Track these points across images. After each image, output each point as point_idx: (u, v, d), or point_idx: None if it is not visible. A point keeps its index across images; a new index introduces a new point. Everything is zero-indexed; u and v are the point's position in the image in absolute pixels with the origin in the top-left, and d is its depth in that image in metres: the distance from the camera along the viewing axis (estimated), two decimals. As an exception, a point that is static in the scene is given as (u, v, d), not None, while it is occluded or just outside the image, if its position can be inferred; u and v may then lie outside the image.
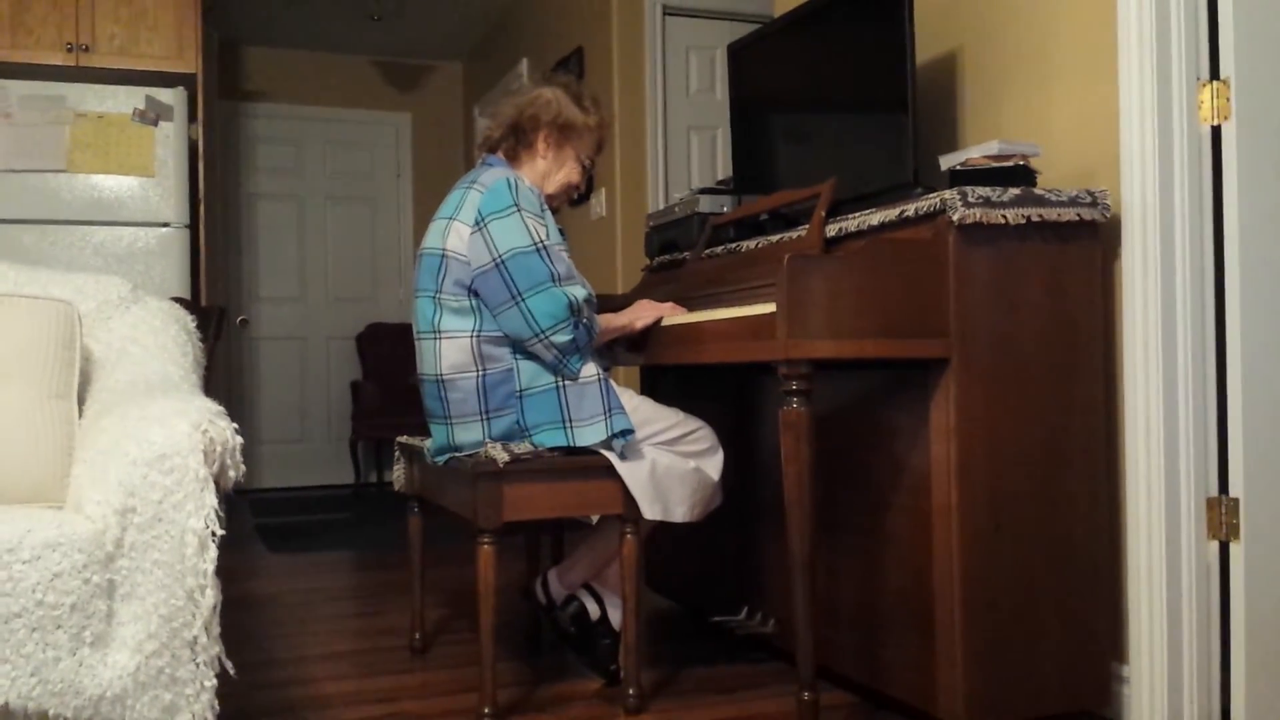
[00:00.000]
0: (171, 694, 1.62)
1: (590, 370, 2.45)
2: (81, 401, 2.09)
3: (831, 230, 2.40)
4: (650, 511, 2.40)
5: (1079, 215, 2.19)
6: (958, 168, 2.26)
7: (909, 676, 2.23)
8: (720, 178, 4.37)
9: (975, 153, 2.26)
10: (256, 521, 5.57)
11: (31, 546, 1.57)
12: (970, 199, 2.10)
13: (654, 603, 3.45)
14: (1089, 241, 2.23)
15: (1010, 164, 2.24)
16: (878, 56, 2.57)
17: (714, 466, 2.54)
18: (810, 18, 2.82)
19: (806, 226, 2.48)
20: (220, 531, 1.66)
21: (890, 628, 2.29)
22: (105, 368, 2.23)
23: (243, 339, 6.83)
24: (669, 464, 2.45)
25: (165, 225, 4.73)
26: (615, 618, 2.65)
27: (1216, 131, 2.25)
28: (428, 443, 2.69)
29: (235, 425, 1.75)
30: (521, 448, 2.37)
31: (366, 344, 6.97)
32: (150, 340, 2.32)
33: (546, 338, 2.37)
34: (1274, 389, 2.22)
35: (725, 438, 2.70)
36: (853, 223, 2.35)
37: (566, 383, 2.43)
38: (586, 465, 2.39)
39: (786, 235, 2.57)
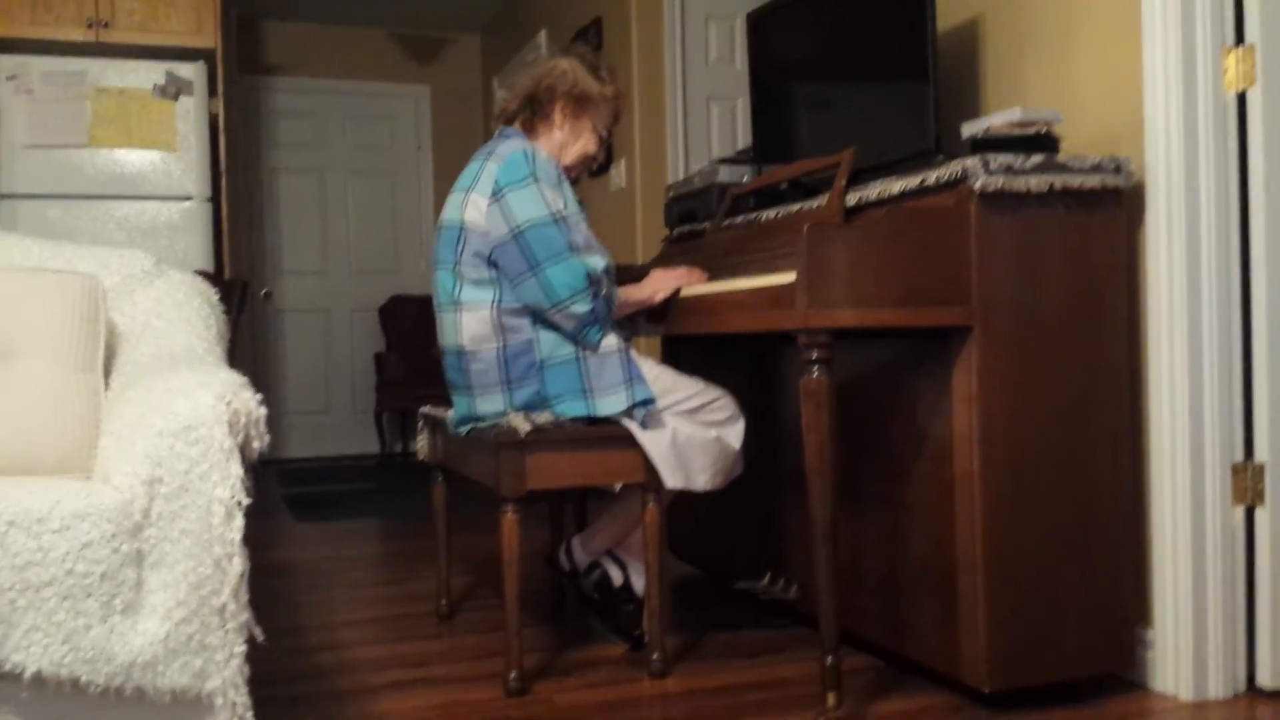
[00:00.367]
0: (201, 660, 1.65)
1: (611, 341, 2.46)
2: (107, 375, 2.12)
3: (852, 199, 2.39)
4: (672, 480, 2.42)
5: (1102, 183, 2.18)
6: (979, 135, 2.24)
7: (932, 641, 2.24)
8: (740, 147, 4.35)
9: (997, 120, 2.25)
10: (284, 491, 5.62)
11: (61, 517, 1.59)
12: (992, 167, 2.08)
13: (677, 569, 3.47)
14: (1112, 209, 2.21)
15: (1032, 131, 2.22)
16: (898, 23, 2.55)
17: (735, 435, 2.55)
18: (830, -17, 2.80)
19: (827, 196, 2.47)
20: (246, 501, 1.68)
21: (913, 593, 2.30)
22: (130, 341, 2.25)
23: (267, 312, 6.88)
24: (690, 433, 2.45)
25: (188, 199, 4.75)
26: (638, 584, 2.68)
27: (1242, 98, 2.22)
28: (450, 413, 2.70)
29: (259, 396, 1.77)
30: (543, 418, 2.38)
31: (389, 316, 7.00)
32: (174, 313, 2.33)
33: (565, 308, 2.37)
34: (1299, 354, 2.20)
35: (746, 406, 2.70)
36: (873, 191, 2.34)
37: (587, 353, 2.44)
38: (608, 435, 2.40)
39: (806, 205, 2.56)
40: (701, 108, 4.78)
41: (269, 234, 6.93)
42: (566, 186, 2.50)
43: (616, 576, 2.69)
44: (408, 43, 7.25)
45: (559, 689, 2.38)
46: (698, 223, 3.20)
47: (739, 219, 2.89)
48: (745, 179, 3.10)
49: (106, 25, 4.74)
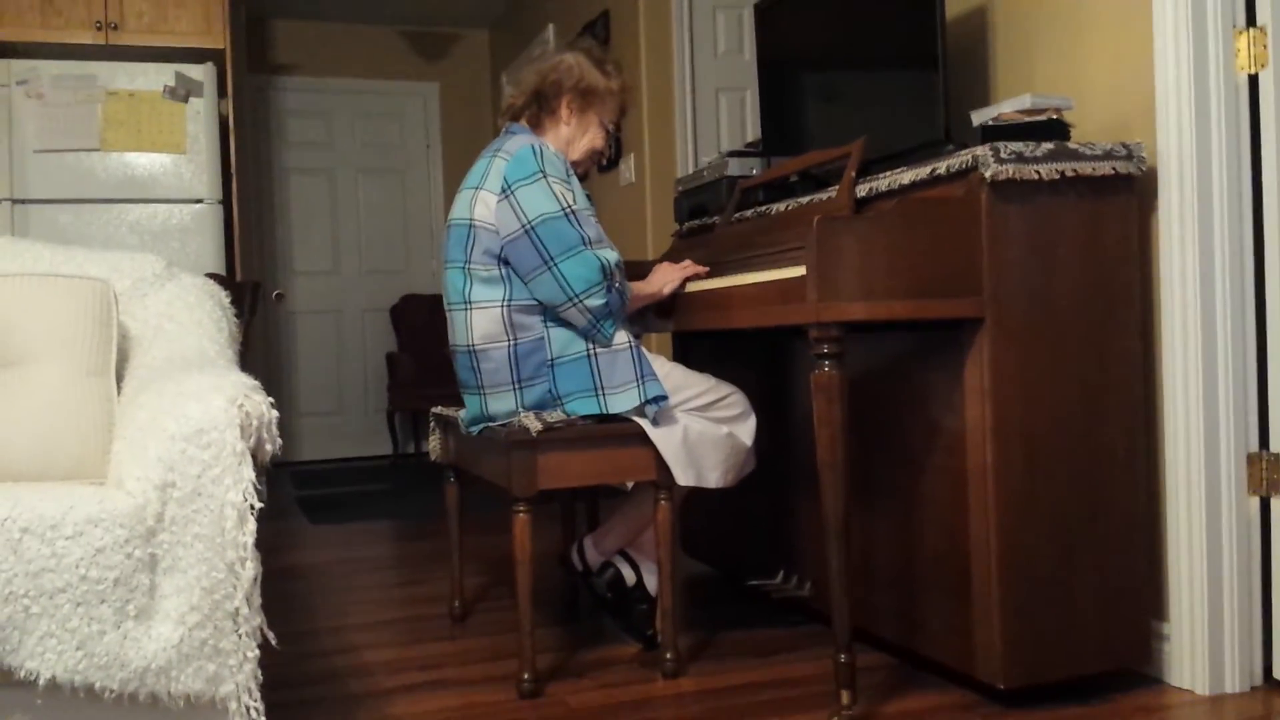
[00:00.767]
0: (215, 664, 1.65)
1: (622, 338, 2.45)
2: (119, 378, 2.12)
3: (862, 190, 2.38)
4: (684, 478, 2.41)
5: (1114, 169, 2.16)
6: (990, 123, 2.22)
7: (946, 637, 2.22)
8: (749, 140, 4.33)
9: (1007, 107, 2.23)
10: (297, 493, 5.64)
11: (74, 522, 1.60)
12: (1003, 155, 2.07)
13: (689, 567, 3.46)
14: (1124, 195, 2.19)
15: (1043, 118, 2.21)
16: (907, 12, 2.53)
17: (746, 431, 2.54)
18: (837, -25, 2.78)
19: (836, 187, 2.46)
20: (259, 505, 1.68)
21: (927, 589, 2.28)
22: (142, 345, 2.25)
23: (278, 313, 6.89)
24: (701, 430, 2.45)
25: (199, 201, 4.76)
26: (651, 583, 2.67)
27: (1254, 80, 2.20)
28: (462, 413, 2.70)
29: (271, 399, 1.77)
30: (554, 416, 2.37)
31: (400, 316, 7.01)
32: (186, 316, 2.34)
33: (580, 302, 2.37)
34: (1316, 342, 2.18)
35: (758, 402, 2.69)
36: (883, 182, 2.32)
37: (598, 350, 2.43)
38: (619, 433, 2.40)
39: (816, 197, 2.55)
40: (710, 100, 4.76)
41: (280, 235, 6.94)
42: (575, 181, 2.49)
43: (629, 576, 2.68)
44: (416, 40, 7.25)
45: (573, 690, 2.38)
46: (707, 216, 3.19)
47: (749, 212, 2.87)
48: (754, 171, 3.08)
49: (115, 27, 4.75)
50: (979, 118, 2.27)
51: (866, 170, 2.44)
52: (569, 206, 2.40)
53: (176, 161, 4.75)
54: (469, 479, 2.86)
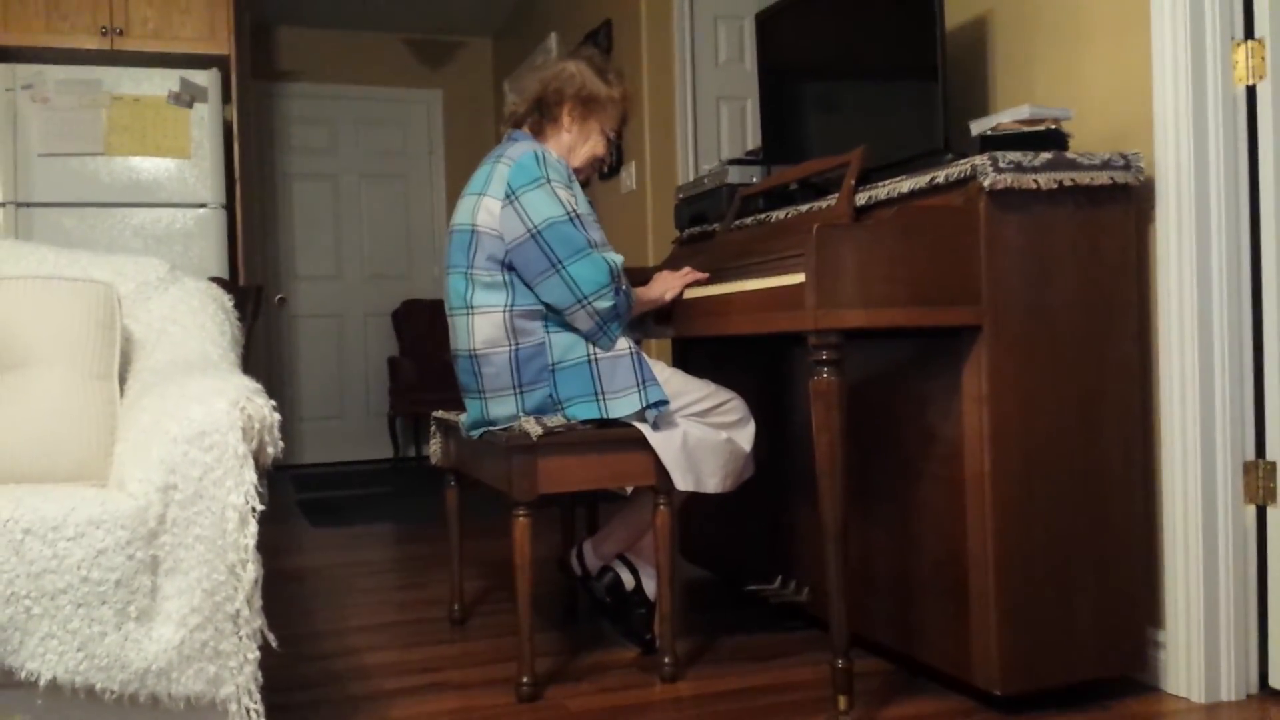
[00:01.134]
0: (215, 666, 1.66)
1: (622, 344, 2.46)
2: (122, 381, 2.13)
3: (861, 199, 2.39)
4: (683, 483, 2.42)
5: (1112, 179, 2.17)
6: (988, 133, 2.24)
7: (943, 644, 2.23)
8: (750, 148, 4.35)
9: (1006, 117, 2.24)
10: (298, 496, 5.65)
11: (76, 524, 1.61)
12: (1001, 164, 2.08)
13: (688, 572, 3.47)
14: (1122, 205, 2.20)
15: (1042, 128, 2.22)
16: (907, 22, 2.55)
17: (745, 437, 2.55)
18: (838, -16, 2.80)
19: (836, 195, 2.47)
20: (260, 507, 1.69)
21: (924, 595, 2.29)
22: (145, 348, 2.27)
23: (281, 317, 6.91)
24: (701, 435, 2.46)
25: (202, 206, 4.78)
26: (650, 588, 2.68)
27: (1251, 92, 2.21)
28: (463, 417, 2.71)
29: (273, 402, 1.78)
30: (555, 421, 2.38)
31: (402, 320, 7.02)
32: (189, 320, 2.35)
33: (590, 304, 2.38)
34: (1312, 352, 2.19)
35: (757, 408, 2.71)
36: (883, 191, 2.34)
37: (599, 356, 2.44)
38: (619, 438, 2.41)
39: (816, 205, 2.56)
40: (711, 109, 4.78)
41: (283, 240, 6.96)
42: (577, 187, 2.51)
43: (628, 580, 2.69)
44: (420, 47, 7.28)
45: (571, 694, 2.39)
46: (708, 224, 3.20)
47: (749, 220, 2.89)
48: (755, 180, 3.10)
49: (121, 33, 4.77)
50: (978, 127, 2.28)
51: (866, 179, 2.45)
52: (573, 211, 2.41)
53: (180, 166, 4.77)
54: (469, 483, 2.87)
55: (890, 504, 2.40)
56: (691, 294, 2.58)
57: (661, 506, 2.44)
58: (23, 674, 1.58)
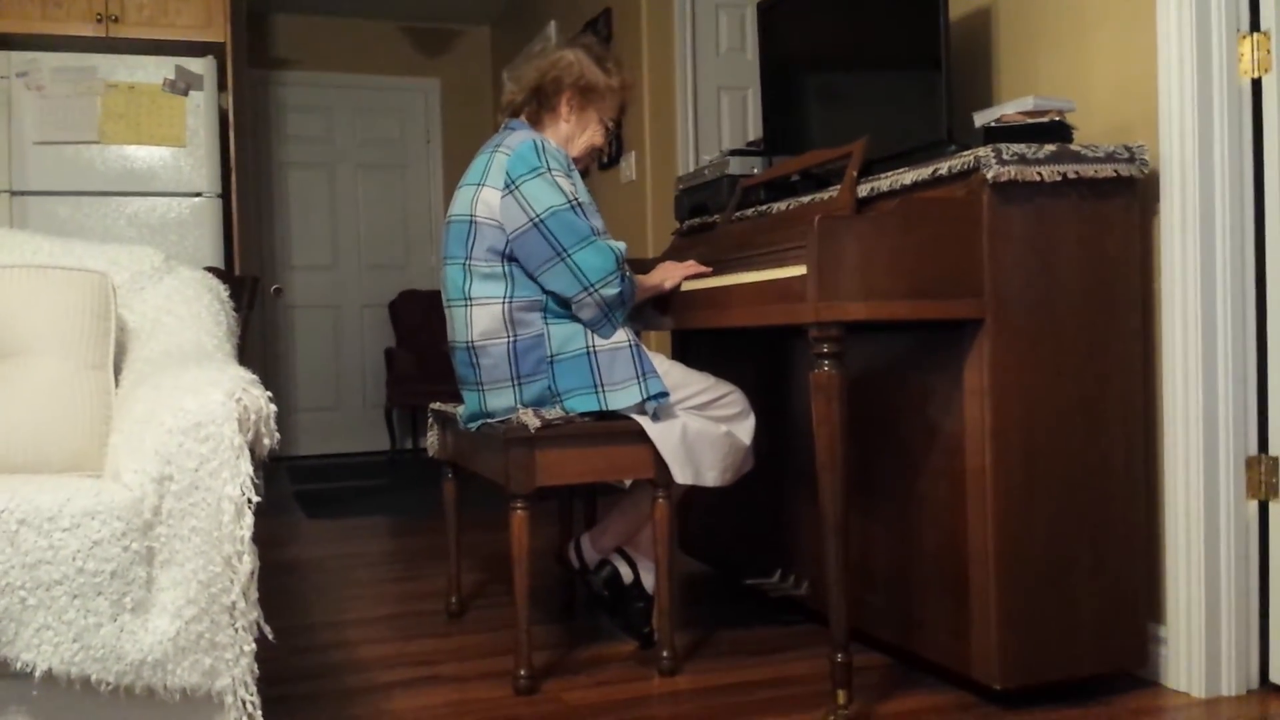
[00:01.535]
0: (211, 658, 1.65)
1: (621, 336, 2.45)
2: (117, 372, 2.11)
3: (863, 190, 2.38)
4: (681, 476, 2.41)
5: (1116, 171, 2.16)
6: (992, 124, 2.22)
7: (943, 639, 2.22)
8: (751, 139, 4.33)
9: (1010, 109, 2.23)
10: (294, 488, 5.63)
11: (71, 515, 1.59)
12: (1005, 156, 2.07)
13: (687, 566, 3.46)
14: (1126, 198, 2.19)
15: (1046, 120, 2.20)
16: (910, 12, 2.53)
17: (745, 430, 2.54)
18: (840, -26, 2.78)
19: (838, 187, 2.46)
20: (256, 499, 1.68)
21: (924, 590, 2.28)
22: (140, 338, 2.25)
23: (277, 308, 6.89)
24: (700, 428, 2.44)
25: (198, 195, 4.76)
26: (648, 581, 2.67)
27: (1257, 84, 2.20)
28: (460, 409, 2.70)
29: (269, 393, 1.77)
30: (553, 413, 2.37)
31: (399, 311, 7.00)
32: (184, 310, 2.33)
33: (596, 291, 2.37)
34: (1316, 346, 2.18)
35: (757, 401, 2.69)
36: (885, 182, 2.32)
37: (598, 348, 2.43)
38: (618, 430, 2.39)
39: (817, 196, 2.55)
40: (712, 99, 4.76)
41: (279, 229, 6.94)
42: (577, 176, 2.50)
43: (626, 573, 2.68)
44: (417, 35, 7.25)
45: (569, 687, 2.38)
46: (708, 215, 3.18)
47: (750, 211, 2.87)
48: (756, 170, 3.08)
49: (116, 20, 4.74)
50: (981, 119, 2.27)
51: (868, 170, 2.44)
52: (574, 199, 2.40)
53: (176, 155, 4.74)
54: (467, 475, 2.86)
55: (891, 498, 2.39)
56: (691, 285, 2.57)
57: (660, 500, 2.43)
58: (18, 665, 1.57)
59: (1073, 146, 2.13)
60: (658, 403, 2.40)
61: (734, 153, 3.18)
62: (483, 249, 2.43)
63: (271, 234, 6.90)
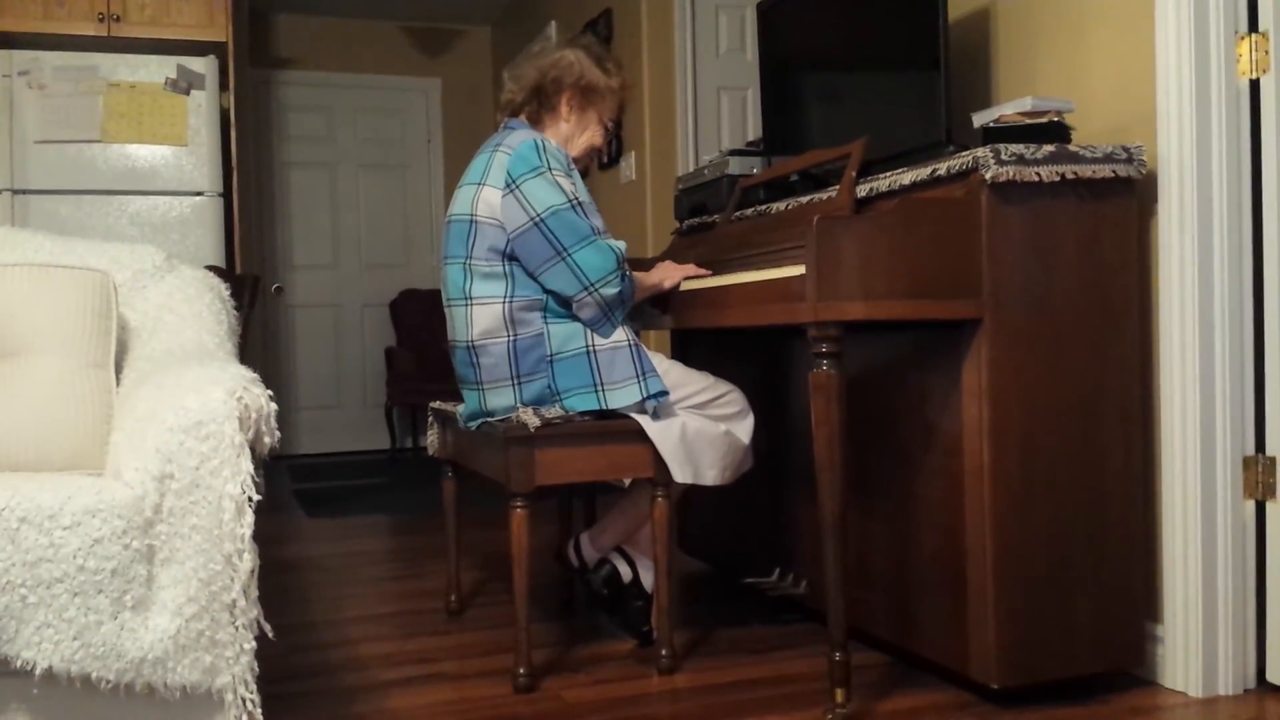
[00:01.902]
0: (211, 656, 1.65)
1: (621, 335, 2.46)
2: (119, 370, 2.12)
3: (862, 190, 2.38)
4: (681, 475, 2.41)
5: (1114, 172, 2.16)
6: (991, 125, 2.23)
7: (941, 637, 2.23)
8: (750, 139, 4.34)
9: (1008, 109, 2.23)
10: (294, 487, 5.64)
11: (72, 513, 1.60)
12: (1003, 157, 2.07)
13: (686, 565, 3.47)
14: (1124, 198, 2.20)
15: (1044, 120, 2.21)
16: (909, 13, 2.53)
17: (744, 430, 2.55)
18: (840, -25, 2.78)
19: (837, 187, 2.46)
20: (257, 497, 1.68)
21: (922, 589, 2.29)
22: (141, 336, 2.26)
23: (278, 307, 6.89)
24: (699, 427, 2.45)
25: (199, 194, 4.76)
26: (647, 580, 2.67)
27: (1255, 85, 2.21)
28: (460, 408, 2.70)
29: (270, 392, 1.77)
30: (553, 412, 2.38)
31: (400, 310, 7.01)
32: (185, 309, 2.34)
33: (596, 290, 2.37)
34: (1313, 347, 2.19)
35: (756, 401, 2.70)
36: (884, 182, 2.33)
37: (597, 347, 2.43)
38: (617, 430, 2.40)
39: (817, 196, 2.55)
40: (712, 99, 4.77)
41: (280, 229, 6.94)
42: (577, 175, 2.50)
43: (625, 572, 2.69)
44: (418, 35, 7.25)
45: (568, 685, 2.38)
46: (708, 215, 3.19)
47: (749, 211, 2.88)
48: (755, 170, 3.09)
49: (118, 19, 4.75)
50: (980, 119, 2.27)
51: (867, 170, 2.44)
52: (575, 198, 2.40)
53: (177, 154, 4.75)
54: (467, 474, 2.86)
55: (889, 497, 2.40)
56: (690, 285, 2.57)
57: (659, 499, 2.44)
58: (18, 663, 1.58)
59: (1071, 147, 2.14)
60: (657, 401, 2.41)
61: (733, 153, 3.18)
62: (483, 248, 2.44)
63: (272, 233, 6.91)
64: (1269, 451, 2.22)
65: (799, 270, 2.08)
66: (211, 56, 4.80)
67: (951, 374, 2.17)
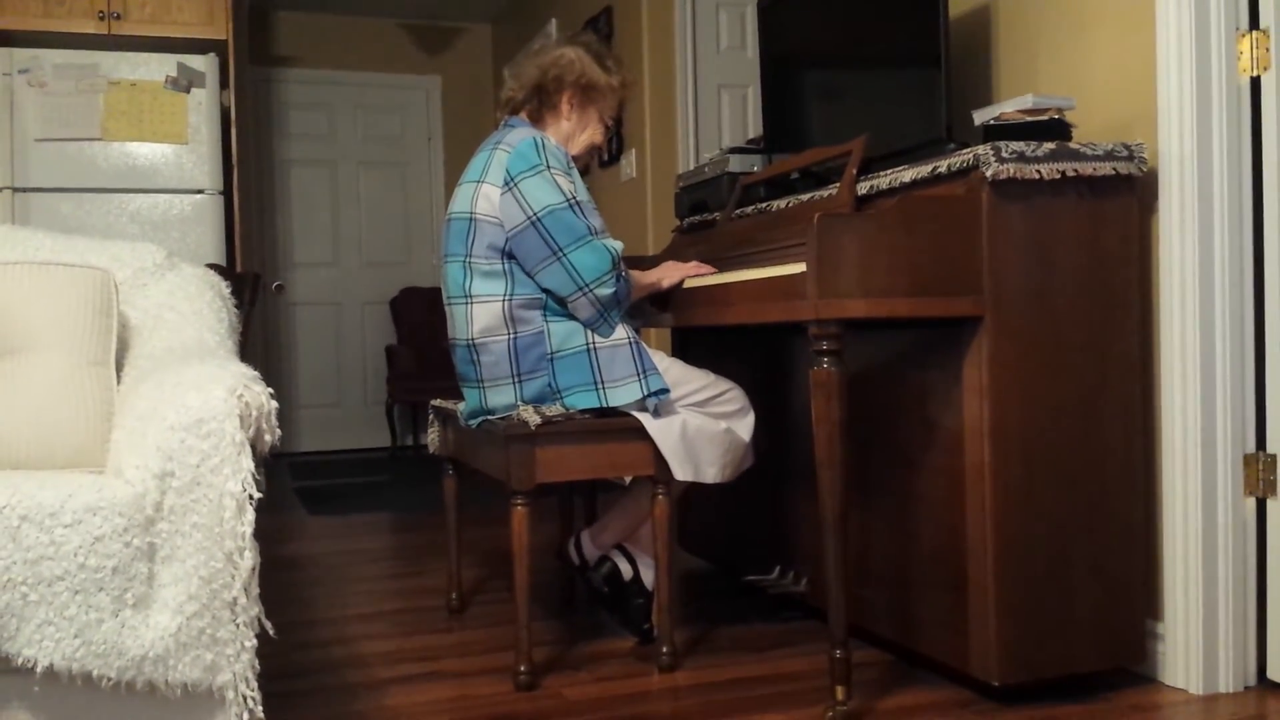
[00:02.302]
0: (213, 654, 1.65)
1: (621, 333, 2.46)
2: (119, 368, 2.12)
3: (863, 188, 2.38)
4: (681, 473, 2.41)
5: (1115, 169, 2.16)
6: (991, 122, 2.22)
7: (942, 635, 2.23)
8: (751, 136, 4.34)
9: (1009, 107, 2.23)
10: (295, 484, 5.64)
11: (73, 511, 1.60)
12: (1004, 154, 2.07)
13: (686, 562, 3.47)
14: (1125, 196, 2.20)
15: (1045, 118, 2.21)
16: (910, 10, 2.53)
17: (745, 427, 2.55)
18: (840, -28, 2.78)
19: (838, 185, 2.46)
20: (258, 495, 1.68)
21: (923, 586, 2.29)
22: (142, 334, 2.26)
23: (279, 305, 6.89)
24: (700, 425, 2.45)
25: (200, 192, 4.76)
26: (648, 577, 2.68)
27: (1256, 83, 2.20)
28: (461, 406, 2.70)
29: (270, 390, 1.77)
30: (553, 410, 2.38)
31: (400, 308, 7.01)
32: (186, 307, 2.34)
33: (591, 291, 2.37)
34: (1314, 344, 2.19)
35: (756, 398, 2.70)
36: (884, 180, 2.33)
37: (598, 345, 2.43)
38: (618, 427, 2.40)
39: (817, 194, 2.55)
40: (712, 96, 4.76)
41: (280, 226, 6.94)
42: (576, 174, 2.50)
43: (626, 570, 2.69)
44: (419, 33, 7.25)
45: (569, 682, 2.39)
46: (708, 213, 3.19)
47: (749, 209, 2.88)
48: (756, 168, 3.09)
49: (118, 17, 4.75)
50: (981, 117, 2.27)
51: (868, 168, 2.44)
52: (573, 197, 2.40)
53: (178, 152, 4.75)
54: (467, 472, 2.86)
55: (889, 495, 2.40)
56: (691, 283, 2.57)
57: (660, 496, 2.44)
58: (19, 661, 1.58)
59: (1072, 144, 2.14)
60: (658, 399, 2.41)
61: (734, 150, 3.18)
62: (483, 246, 2.44)
63: (273, 231, 6.91)
64: (1269, 449, 2.22)
65: (800, 268, 2.08)
66: (212, 54, 4.80)
67: (952, 371, 2.17)
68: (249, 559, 1.67)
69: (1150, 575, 2.28)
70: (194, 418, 1.67)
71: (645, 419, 2.40)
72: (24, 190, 4.59)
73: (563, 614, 2.95)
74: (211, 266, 2.67)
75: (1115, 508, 2.19)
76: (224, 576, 1.66)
